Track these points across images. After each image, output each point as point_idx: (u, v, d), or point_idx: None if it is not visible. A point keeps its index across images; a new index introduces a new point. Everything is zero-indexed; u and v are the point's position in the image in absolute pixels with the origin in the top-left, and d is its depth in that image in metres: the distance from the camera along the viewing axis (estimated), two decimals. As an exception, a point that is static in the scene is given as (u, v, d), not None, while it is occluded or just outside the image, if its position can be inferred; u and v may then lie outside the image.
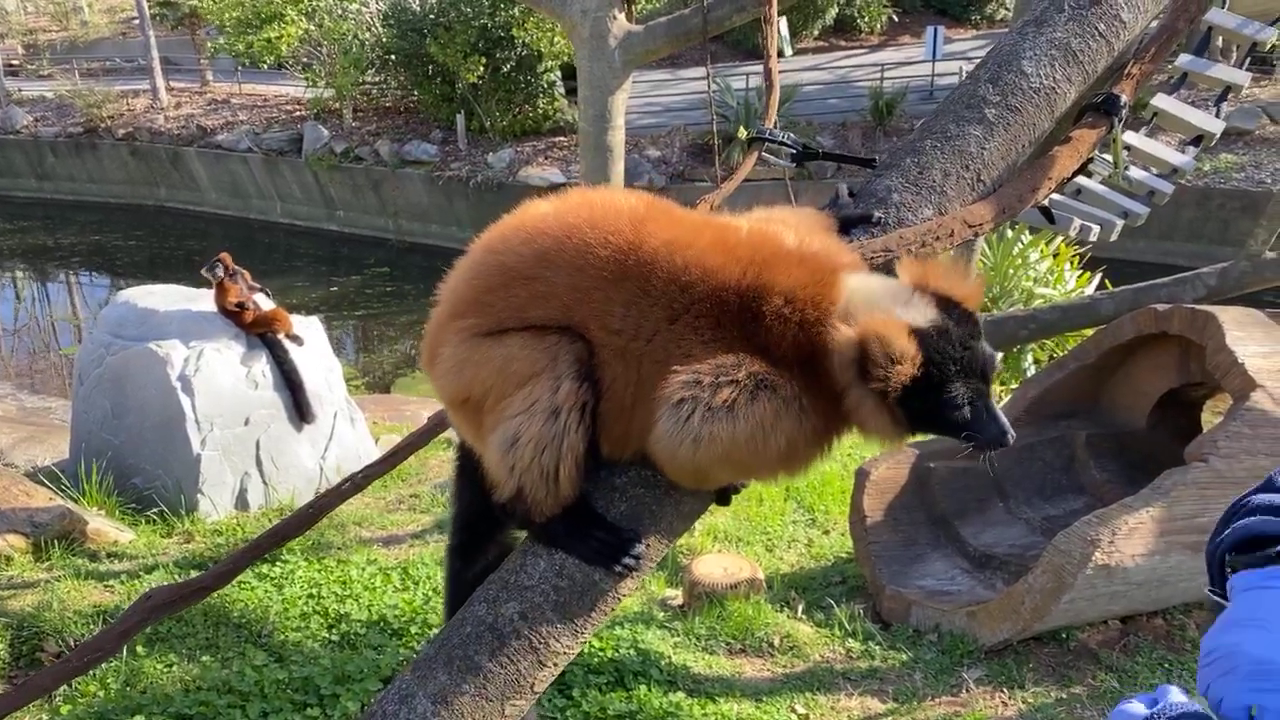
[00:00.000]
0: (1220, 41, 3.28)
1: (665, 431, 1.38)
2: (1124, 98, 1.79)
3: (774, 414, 1.37)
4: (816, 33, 22.55)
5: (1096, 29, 1.65)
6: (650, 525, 1.48)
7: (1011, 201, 1.58)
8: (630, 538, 1.47)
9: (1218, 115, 3.03)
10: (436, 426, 2.59)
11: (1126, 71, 1.87)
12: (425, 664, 1.41)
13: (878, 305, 1.37)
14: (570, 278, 1.42)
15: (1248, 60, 3.12)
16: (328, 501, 2.55)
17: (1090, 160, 1.99)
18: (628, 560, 1.47)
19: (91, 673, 3.50)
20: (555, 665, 1.42)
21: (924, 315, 1.37)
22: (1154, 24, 1.93)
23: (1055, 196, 2.42)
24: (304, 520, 2.47)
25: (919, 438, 1.59)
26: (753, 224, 1.51)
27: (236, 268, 5.71)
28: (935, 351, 1.35)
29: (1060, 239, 8.27)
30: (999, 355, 1.44)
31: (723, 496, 1.59)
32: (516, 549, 1.52)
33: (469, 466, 1.60)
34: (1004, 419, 1.41)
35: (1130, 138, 2.89)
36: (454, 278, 1.54)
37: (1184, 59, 2.96)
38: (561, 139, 17.72)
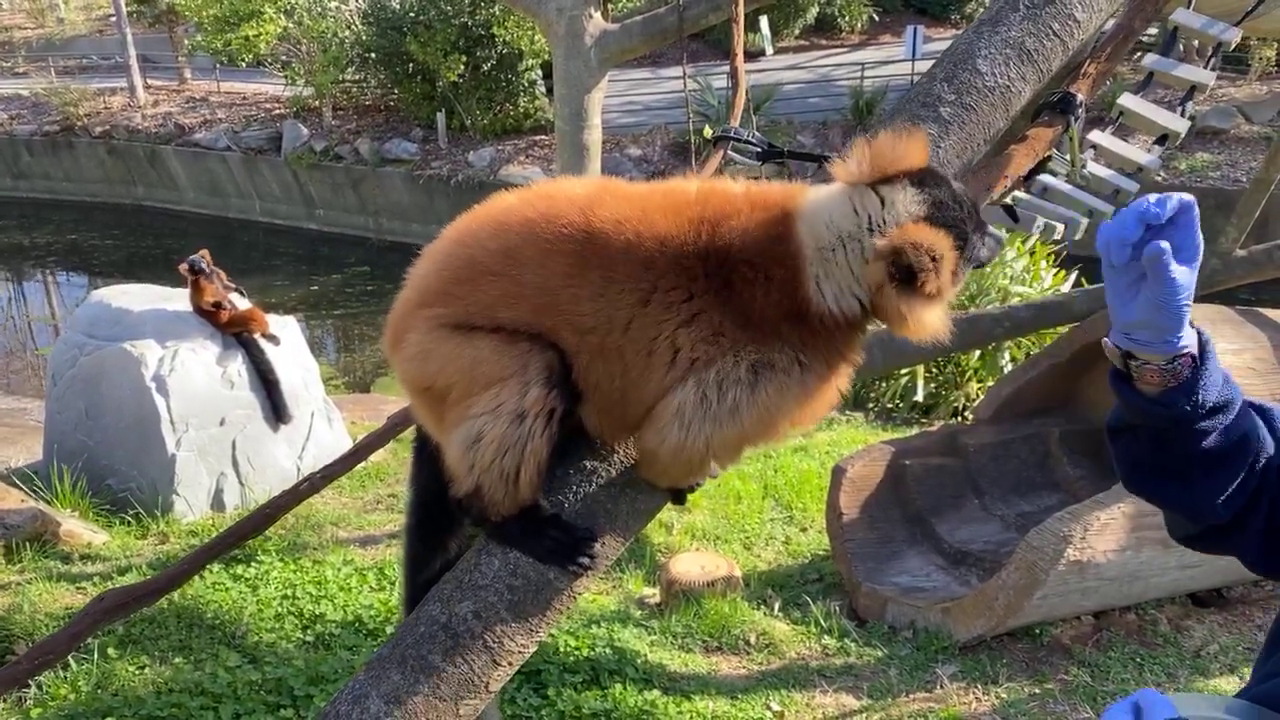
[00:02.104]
0: (1196, 43, 3.30)
1: (674, 435, 1.38)
2: (1080, 96, 1.80)
3: (776, 392, 1.37)
4: (797, 32, 22.58)
5: (1051, 28, 1.66)
6: (605, 524, 1.48)
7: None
8: (585, 537, 1.47)
9: (1183, 115, 3.06)
10: (396, 427, 2.58)
11: (1083, 70, 1.89)
12: (379, 664, 1.41)
13: (862, 227, 1.35)
14: (535, 275, 1.41)
15: (1214, 60, 3.15)
16: (284, 502, 2.53)
17: (1049, 158, 2.01)
18: (582, 559, 1.46)
19: (63, 674, 3.48)
20: (510, 664, 1.42)
21: (913, 201, 1.34)
22: (1110, 23, 1.95)
23: (1020, 195, 2.44)
24: (260, 521, 2.46)
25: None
26: (702, 181, 1.49)
27: (213, 267, 5.68)
28: (951, 224, 1.34)
29: (1036, 237, 8.30)
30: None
31: (678, 497, 1.59)
32: (472, 548, 1.52)
33: (427, 450, 1.59)
34: (991, 229, 1.42)
35: (1096, 136, 2.91)
36: (423, 265, 1.54)
37: (1150, 59, 2.98)
38: (542, 137, 17.67)
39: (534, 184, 1.53)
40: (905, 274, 1.30)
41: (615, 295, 1.39)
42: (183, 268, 5.57)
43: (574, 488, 1.49)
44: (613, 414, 1.46)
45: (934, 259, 1.29)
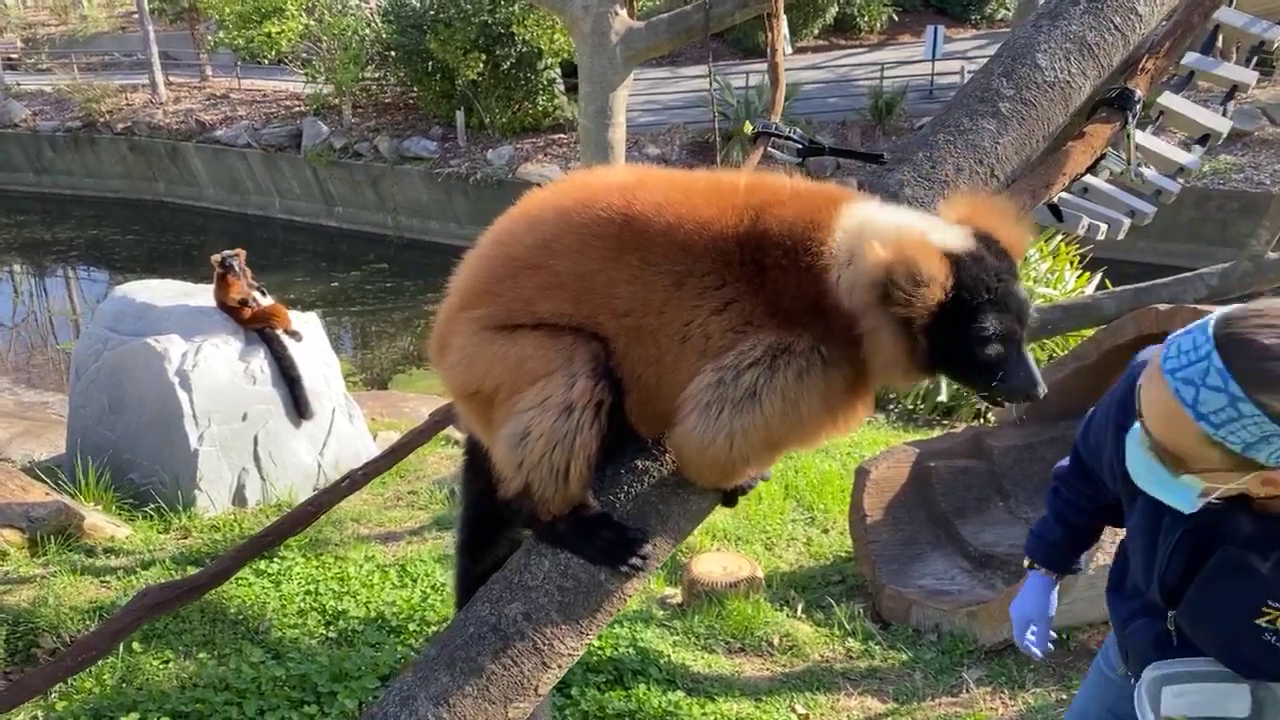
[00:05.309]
0: (1220, 41, 3.25)
1: (695, 429, 1.35)
2: (1138, 92, 1.77)
3: (796, 378, 1.32)
4: (816, 31, 22.52)
5: (1112, 22, 1.63)
6: (657, 525, 1.46)
7: (1025, 197, 1.56)
8: (637, 537, 1.44)
9: (1225, 114, 3.01)
10: (438, 424, 2.57)
11: (1140, 66, 1.85)
12: (427, 665, 1.39)
13: (905, 228, 1.31)
14: (573, 264, 1.39)
15: (1253, 59, 3.10)
16: (327, 499, 2.52)
17: (1104, 157, 1.98)
18: (634, 560, 1.44)
19: (88, 669, 3.48)
20: (560, 667, 1.40)
21: (960, 242, 1.31)
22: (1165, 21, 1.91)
23: (1063, 194, 2.41)
24: (302, 518, 2.45)
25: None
26: (751, 175, 1.47)
27: (243, 266, 5.69)
28: (969, 277, 1.28)
29: (1060, 239, 8.26)
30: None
31: (729, 499, 1.56)
32: (520, 548, 1.50)
33: (477, 462, 1.56)
34: (1036, 370, 1.33)
35: (1137, 136, 2.85)
36: (463, 269, 1.52)
37: (1191, 57, 2.92)
38: (561, 136, 17.70)
39: (569, 175, 1.52)
40: (886, 287, 1.27)
41: (651, 279, 1.37)
42: (214, 259, 5.58)
43: (625, 487, 1.46)
44: (650, 404, 1.43)
45: (917, 283, 1.24)
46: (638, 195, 1.39)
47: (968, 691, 3.67)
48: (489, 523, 1.60)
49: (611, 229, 1.38)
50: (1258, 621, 1.38)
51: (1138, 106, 1.80)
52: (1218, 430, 1.21)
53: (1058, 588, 1.96)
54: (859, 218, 1.34)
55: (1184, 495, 1.32)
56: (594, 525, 1.44)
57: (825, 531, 5.44)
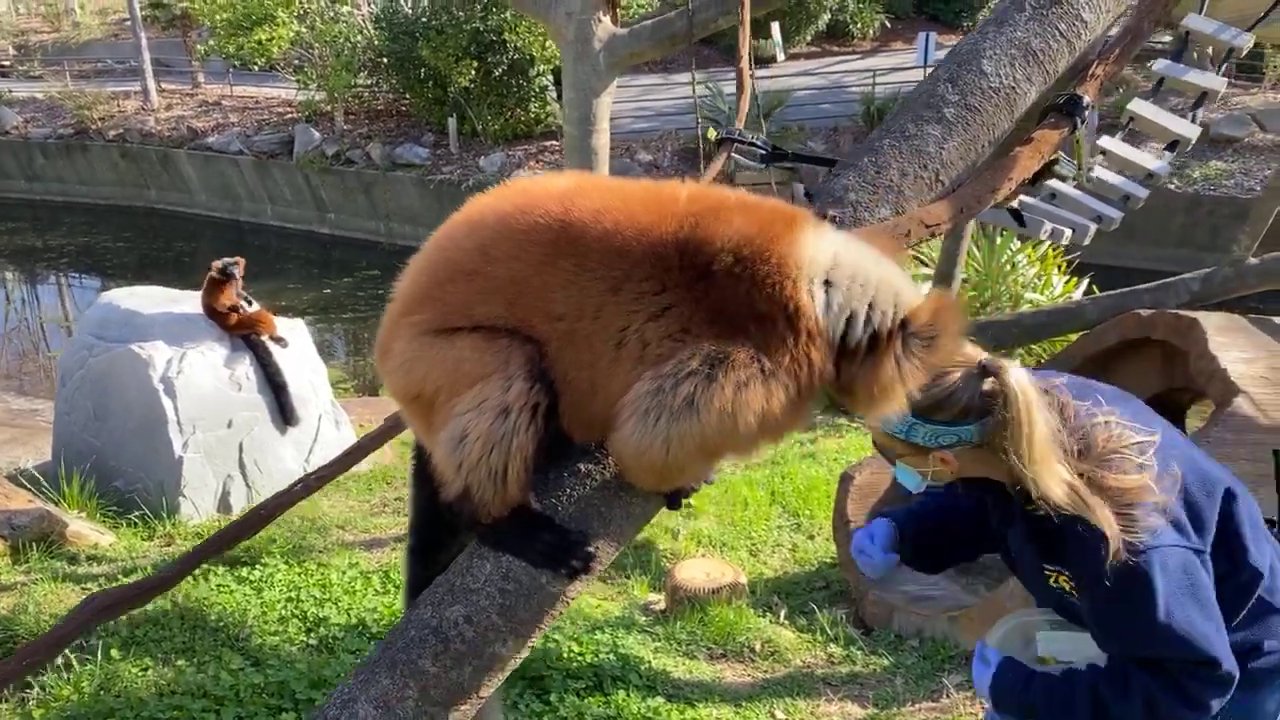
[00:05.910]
0: (1210, 50, 3.29)
1: (633, 435, 1.35)
2: (1086, 98, 1.78)
3: (734, 389, 1.33)
4: (809, 38, 22.55)
5: (1057, 29, 1.64)
6: (599, 528, 1.46)
7: (970, 201, 1.57)
8: (578, 540, 1.44)
9: (1194, 121, 3.03)
10: (391, 429, 2.57)
11: (1090, 72, 1.86)
12: (369, 668, 1.39)
13: (901, 281, 1.41)
14: (508, 268, 1.40)
15: (1225, 66, 3.12)
16: (278, 504, 2.52)
17: (1056, 162, 1.99)
18: (575, 563, 1.44)
19: (66, 675, 3.47)
20: (502, 670, 1.40)
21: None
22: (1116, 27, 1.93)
23: (1027, 199, 2.42)
24: (255, 523, 2.45)
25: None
26: (694, 185, 1.49)
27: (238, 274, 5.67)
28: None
29: (1048, 244, 8.29)
30: None
31: (672, 501, 1.56)
32: (464, 551, 1.50)
33: (424, 466, 1.57)
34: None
35: (1107, 142, 2.88)
36: (406, 274, 1.53)
37: (1161, 64, 2.95)
38: (553, 143, 17.70)
39: (507, 183, 1.53)
40: (923, 336, 1.37)
41: (586, 284, 1.38)
42: (216, 265, 5.57)
43: (568, 490, 1.47)
44: (583, 408, 1.43)
45: (943, 339, 1.38)
46: (575, 202, 1.40)
47: (948, 697, 3.68)
48: (438, 527, 1.60)
49: (548, 234, 1.38)
50: (1049, 583, 1.66)
51: (1086, 112, 1.81)
52: (884, 425, 1.55)
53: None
54: (828, 250, 1.38)
55: (910, 479, 1.66)
56: (535, 528, 1.44)
57: (811, 537, 5.45)
